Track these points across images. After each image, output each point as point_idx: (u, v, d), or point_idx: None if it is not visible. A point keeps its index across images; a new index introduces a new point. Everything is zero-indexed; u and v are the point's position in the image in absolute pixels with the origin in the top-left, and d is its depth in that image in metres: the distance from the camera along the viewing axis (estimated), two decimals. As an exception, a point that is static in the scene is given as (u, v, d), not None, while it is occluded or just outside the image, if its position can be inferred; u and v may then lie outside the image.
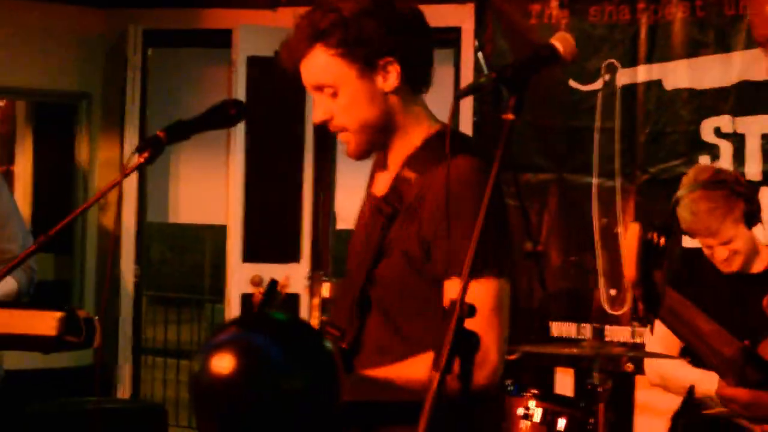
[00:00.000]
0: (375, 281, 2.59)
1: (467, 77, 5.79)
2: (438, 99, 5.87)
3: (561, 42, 2.16)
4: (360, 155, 2.67)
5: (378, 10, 2.56)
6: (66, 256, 6.84)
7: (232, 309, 6.15)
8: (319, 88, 2.60)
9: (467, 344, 1.97)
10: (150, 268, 7.24)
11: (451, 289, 2.43)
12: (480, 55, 5.74)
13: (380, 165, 2.74)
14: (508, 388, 4.35)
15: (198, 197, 7.00)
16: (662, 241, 2.06)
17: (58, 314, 3.64)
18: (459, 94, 2.13)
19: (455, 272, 2.41)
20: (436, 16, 5.97)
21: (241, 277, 6.08)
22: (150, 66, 6.55)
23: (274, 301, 2.57)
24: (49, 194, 6.98)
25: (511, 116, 2.08)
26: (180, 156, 6.80)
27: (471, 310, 1.95)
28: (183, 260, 8.26)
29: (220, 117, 2.69)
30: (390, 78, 2.56)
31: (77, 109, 6.68)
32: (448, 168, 2.37)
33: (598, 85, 5.41)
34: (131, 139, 6.39)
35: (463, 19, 5.85)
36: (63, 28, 6.52)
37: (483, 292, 2.40)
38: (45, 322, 3.62)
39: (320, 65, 2.57)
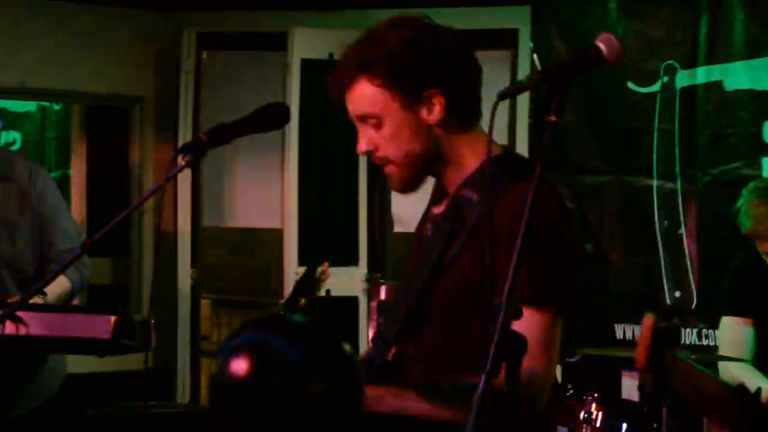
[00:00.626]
0: (431, 297, 2.58)
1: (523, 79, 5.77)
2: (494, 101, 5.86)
3: (605, 43, 2.11)
4: (404, 187, 2.65)
5: (423, 42, 2.55)
6: (123, 260, 6.86)
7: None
8: (363, 119, 2.59)
9: (513, 346, 1.95)
10: (208, 272, 7.26)
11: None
12: (535, 56, 5.73)
13: (439, 186, 2.72)
14: (569, 392, 4.36)
15: (254, 201, 7.02)
16: (676, 322, 2.06)
17: (113, 317, 3.65)
18: (502, 95, 2.08)
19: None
20: (493, 18, 6.04)
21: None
22: (204, 69, 6.56)
23: (309, 287, 2.57)
24: (104, 198, 7.00)
25: (553, 118, 2.05)
26: (236, 160, 6.81)
27: (517, 312, 1.93)
28: (241, 263, 8.27)
29: (264, 120, 2.68)
30: (434, 110, 2.54)
31: (131, 112, 6.70)
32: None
33: (656, 87, 5.40)
34: (184, 142, 6.40)
35: (520, 20, 5.85)
36: (117, 31, 6.53)
37: (528, 324, 2.25)
38: (100, 326, 3.65)
39: (364, 96, 2.56)
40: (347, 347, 2.19)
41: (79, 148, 7.25)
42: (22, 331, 3.60)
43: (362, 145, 2.62)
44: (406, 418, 2.44)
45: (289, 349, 2.10)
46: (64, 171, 7.45)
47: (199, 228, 6.68)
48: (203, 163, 6.64)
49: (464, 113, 2.59)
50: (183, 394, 6.52)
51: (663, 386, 2.10)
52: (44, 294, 4.05)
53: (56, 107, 7.75)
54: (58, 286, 4.13)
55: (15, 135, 8.28)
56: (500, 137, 5.92)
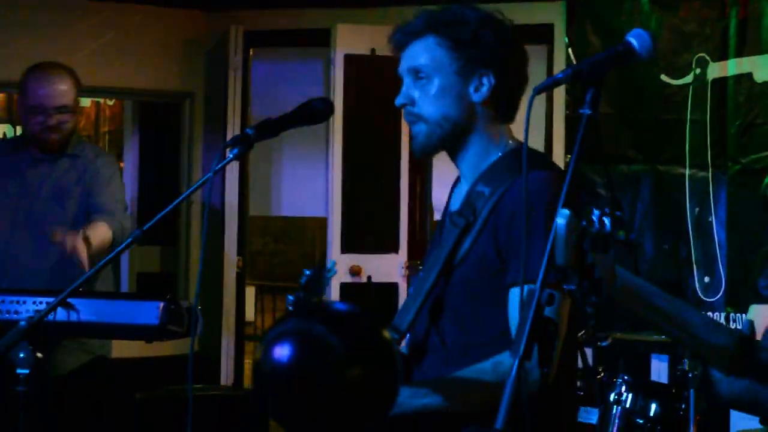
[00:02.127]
0: (447, 288, 2.65)
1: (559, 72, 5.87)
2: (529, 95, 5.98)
3: (637, 39, 2.16)
4: (426, 149, 2.71)
5: (497, 25, 2.67)
6: (172, 248, 7.03)
7: (333, 298, 6.29)
8: (414, 71, 2.68)
9: (546, 331, 1.98)
10: (253, 259, 7.38)
11: (515, 297, 2.51)
12: (570, 51, 5.84)
13: (457, 183, 2.81)
14: (600, 375, 4.44)
15: (299, 191, 7.13)
16: (604, 223, 2.01)
17: (161, 304, 3.81)
18: (538, 89, 2.11)
19: (519, 281, 2.47)
20: (529, 14, 6.14)
21: (340, 268, 6.18)
22: (251, 65, 6.70)
23: (316, 286, 2.65)
24: (154, 190, 7.14)
25: (588, 111, 2.09)
26: (282, 152, 6.94)
27: (551, 298, 1.96)
28: (286, 251, 8.40)
29: (308, 114, 2.75)
30: (482, 89, 2.65)
31: (181, 108, 6.83)
32: (525, 179, 2.36)
33: (689, 79, 5.50)
34: (233, 136, 6.56)
35: (555, 16, 5.96)
36: (166, 30, 6.67)
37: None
38: (147, 312, 3.77)
39: (427, 50, 2.67)
40: (386, 334, 2.24)
41: (131, 142, 7.42)
42: (73, 317, 3.75)
43: (401, 97, 2.70)
44: (422, 415, 2.49)
45: (331, 336, 2.12)
46: (119, 164, 7.61)
47: (246, 217, 6.83)
48: (250, 155, 6.78)
49: (505, 104, 2.69)
50: (227, 378, 6.67)
51: (589, 291, 2.06)
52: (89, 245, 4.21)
53: (110, 103, 7.89)
54: (101, 231, 4.25)
55: (71, 130, 8.47)
56: (537, 130, 6.04)
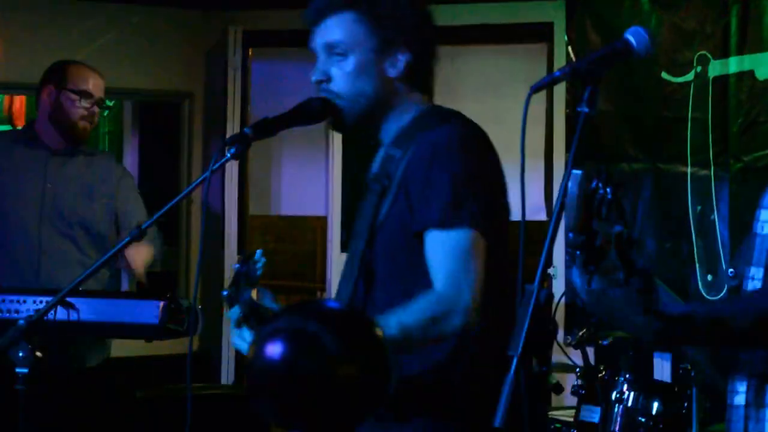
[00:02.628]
0: (375, 255, 2.67)
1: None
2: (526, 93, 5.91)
3: (634, 36, 2.18)
4: (344, 125, 2.75)
5: (413, 3, 2.74)
6: (173, 247, 6.97)
7: (334, 296, 6.28)
8: (331, 47, 2.70)
9: (544, 330, 1.97)
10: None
11: (430, 242, 2.55)
12: (570, 49, 5.83)
13: (373, 150, 2.84)
14: (602, 373, 4.44)
15: (299, 190, 7.12)
16: (607, 190, 2.02)
17: (161, 303, 3.81)
18: (534, 87, 2.13)
19: (429, 226, 2.55)
20: (529, 12, 6.13)
21: (340, 266, 6.19)
22: (250, 65, 6.69)
23: (249, 277, 2.64)
24: (155, 191, 7.13)
25: (586, 109, 2.10)
26: (282, 151, 6.93)
27: (548, 298, 1.96)
28: (287, 250, 8.40)
29: (305, 114, 2.76)
30: (398, 65, 2.70)
31: (181, 108, 6.82)
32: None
33: (690, 76, 5.49)
34: (230, 135, 6.56)
35: (555, 14, 5.95)
36: (165, 30, 6.66)
37: (455, 240, 2.51)
38: (148, 311, 3.79)
39: (344, 25, 2.69)
40: (378, 332, 2.24)
41: (131, 143, 7.41)
42: (74, 316, 3.77)
43: (317, 74, 2.72)
44: None
45: (324, 334, 2.13)
46: (118, 165, 7.61)
47: (246, 216, 6.81)
48: (250, 154, 6.78)
49: (419, 78, 2.75)
50: (227, 377, 6.66)
51: (593, 255, 2.07)
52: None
53: (110, 103, 7.89)
54: (146, 252, 4.50)
55: (70, 130, 8.45)
56: (538, 127, 6.03)
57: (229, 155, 2.65)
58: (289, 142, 6.87)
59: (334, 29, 2.70)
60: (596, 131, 5.67)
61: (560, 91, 5.86)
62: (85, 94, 4.55)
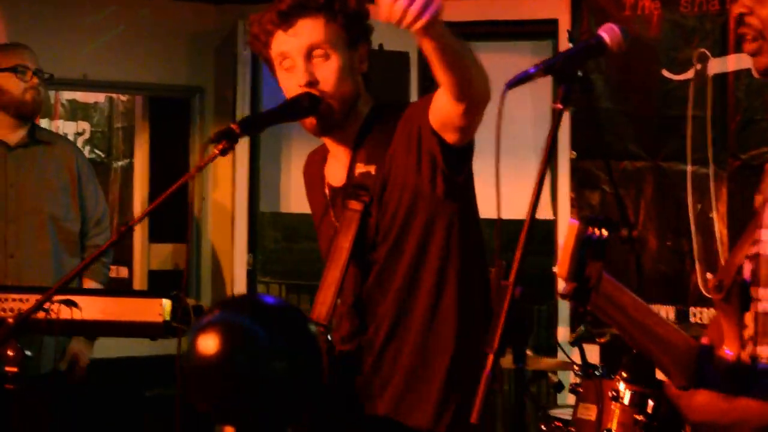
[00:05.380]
0: (374, 267, 2.77)
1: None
2: (533, 89, 5.94)
3: (608, 32, 2.21)
4: (333, 126, 2.82)
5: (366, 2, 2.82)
6: (183, 244, 7.04)
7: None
8: (311, 51, 2.76)
9: (519, 326, 2.02)
10: (265, 256, 7.37)
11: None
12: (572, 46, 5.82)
13: (325, 159, 2.92)
14: (597, 371, 4.44)
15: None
16: (604, 233, 2.07)
17: (166, 301, 3.78)
18: (509, 84, 2.16)
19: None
20: (534, 9, 6.13)
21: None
22: (260, 60, 6.68)
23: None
24: (165, 186, 7.12)
25: (560, 106, 2.14)
26: (292, 147, 6.94)
27: (522, 294, 2.01)
28: (297, 248, 8.40)
29: (293, 110, 2.81)
30: (363, 59, 2.82)
31: (191, 103, 6.84)
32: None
33: (690, 74, 5.45)
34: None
35: (560, 11, 5.92)
36: (175, 24, 6.67)
37: None
38: (153, 309, 3.78)
39: (320, 28, 2.77)
40: (312, 327, 2.26)
41: (141, 138, 7.42)
42: (77, 315, 3.79)
43: (304, 76, 2.77)
44: None
45: (256, 328, 2.13)
46: (131, 160, 7.60)
47: (257, 214, 6.85)
48: (261, 150, 6.79)
49: (369, 69, 2.87)
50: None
51: (583, 298, 2.11)
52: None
53: (123, 98, 7.92)
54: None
55: (84, 125, 8.50)
56: (544, 125, 6.02)
57: (218, 152, 2.71)
58: (299, 138, 6.88)
59: (312, 31, 2.76)
60: (598, 129, 5.66)
61: (564, 88, 5.83)
62: (20, 68, 4.53)
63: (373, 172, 2.76)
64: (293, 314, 2.26)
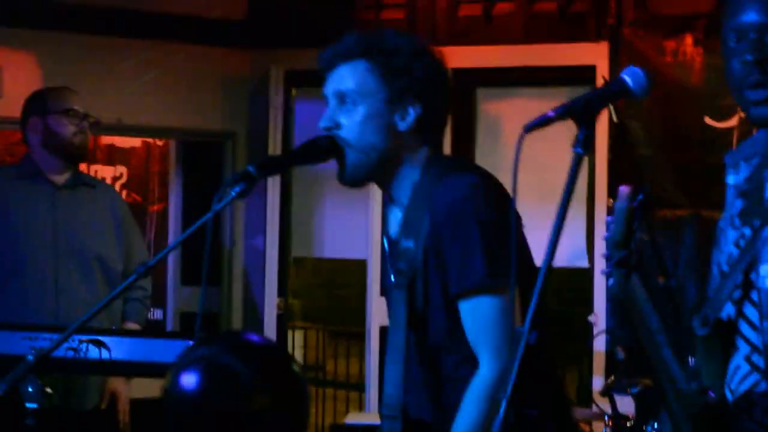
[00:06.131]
0: (425, 347, 2.69)
1: (602, 114, 5.81)
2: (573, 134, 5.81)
3: (631, 76, 2.17)
4: (354, 178, 2.73)
5: (428, 57, 2.72)
6: (215, 287, 7.03)
7: (372, 340, 6.27)
8: (342, 97, 2.70)
9: (533, 370, 2.01)
10: (302, 300, 7.38)
11: (467, 308, 2.58)
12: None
13: (388, 205, 2.83)
14: (629, 422, 4.40)
15: (341, 232, 7.11)
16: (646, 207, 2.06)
17: (190, 343, 3.80)
18: (527, 127, 2.11)
19: (465, 293, 2.57)
20: (572, 55, 6.09)
21: (379, 309, 6.15)
22: (292, 105, 6.69)
23: None
24: (198, 231, 7.13)
25: (580, 150, 2.10)
26: (323, 192, 6.93)
27: (537, 340, 1.99)
28: (329, 294, 8.41)
29: (311, 152, 2.78)
30: (408, 119, 2.68)
31: (223, 147, 6.84)
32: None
33: (733, 122, 5.38)
34: (274, 177, 6.59)
35: (598, 57, 5.87)
36: (208, 69, 6.68)
37: (495, 306, 2.54)
38: (177, 350, 3.78)
39: (356, 74, 2.69)
40: (296, 367, 2.27)
41: (175, 182, 7.47)
42: (105, 355, 3.79)
43: (325, 120, 2.73)
44: None
45: (239, 366, 2.14)
46: (166, 204, 7.67)
47: (288, 258, 6.83)
48: (294, 195, 6.78)
49: (429, 133, 2.74)
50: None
51: (628, 267, 2.10)
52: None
53: (159, 143, 7.96)
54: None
55: (122, 170, 8.54)
56: (581, 172, 5.95)
57: (234, 195, 2.70)
58: (331, 182, 6.85)
59: (346, 78, 2.71)
60: (638, 176, 5.58)
61: (602, 134, 5.78)
62: (71, 112, 4.59)
63: (412, 248, 2.66)
64: (276, 351, 2.31)
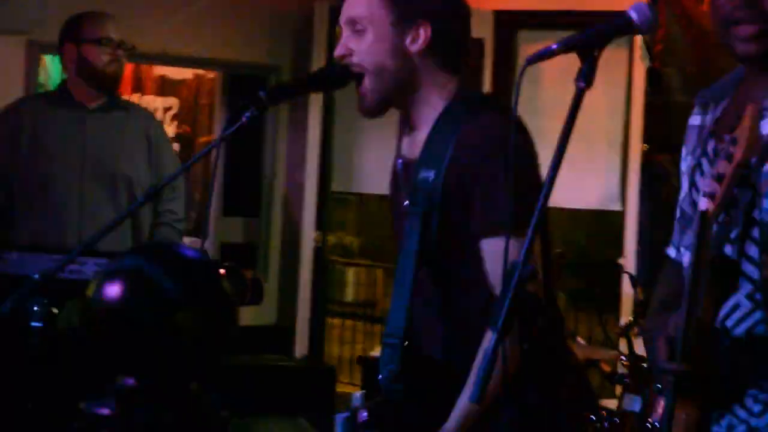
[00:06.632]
0: (433, 279, 2.68)
1: (639, 59, 5.83)
2: (612, 79, 5.89)
3: (636, 11, 2.13)
4: (374, 106, 2.70)
5: None
6: (254, 219, 7.13)
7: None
8: (351, 23, 2.70)
9: (526, 306, 1.96)
10: (335, 234, 7.36)
11: (488, 249, 2.56)
12: (643, 38, 5.75)
13: (405, 129, 2.80)
14: (644, 363, 4.41)
15: (382, 168, 7.14)
16: None
17: (221, 271, 3.86)
18: (529, 60, 2.09)
19: (489, 233, 2.55)
20: (611, 1, 6.04)
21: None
22: (335, 41, 6.69)
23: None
24: (241, 161, 7.19)
25: (582, 84, 2.05)
26: (364, 129, 6.95)
27: (533, 274, 1.95)
28: (367, 230, 8.37)
29: (323, 79, 2.79)
30: (418, 41, 2.67)
31: (267, 81, 6.85)
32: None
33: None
34: (315, 111, 6.68)
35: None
36: (256, 3, 6.70)
37: (495, 252, 2.51)
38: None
39: (363, 2, 2.68)
40: (225, 284, 2.23)
41: (220, 114, 7.50)
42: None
43: (339, 49, 2.72)
44: None
45: (163, 279, 2.10)
46: (214, 136, 7.69)
47: (328, 193, 6.90)
48: (335, 130, 6.82)
49: (444, 55, 2.72)
50: (301, 350, 6.77)
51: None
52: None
53: (210, 75, 8.00)
54: None
55: (172, 101, 8.65)
56: (615, 116, 5.98)
57: (243, 120, 2.65)
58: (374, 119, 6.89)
59: (356, 5, 2.71)
60: (672, 123, 5.60)
61: (639, 79, 5.79)
62: (105, 40, 4.55)
63: (431, 179, 2.64)
64: (206, 266, 2.23)
